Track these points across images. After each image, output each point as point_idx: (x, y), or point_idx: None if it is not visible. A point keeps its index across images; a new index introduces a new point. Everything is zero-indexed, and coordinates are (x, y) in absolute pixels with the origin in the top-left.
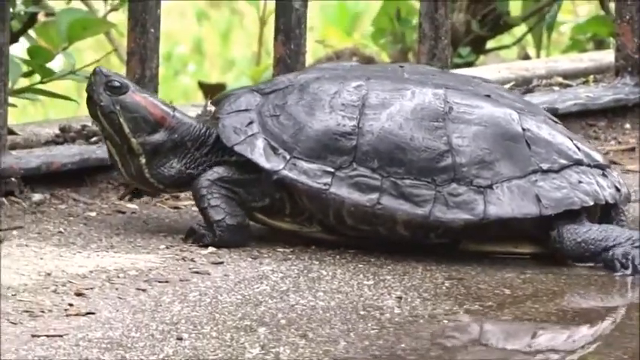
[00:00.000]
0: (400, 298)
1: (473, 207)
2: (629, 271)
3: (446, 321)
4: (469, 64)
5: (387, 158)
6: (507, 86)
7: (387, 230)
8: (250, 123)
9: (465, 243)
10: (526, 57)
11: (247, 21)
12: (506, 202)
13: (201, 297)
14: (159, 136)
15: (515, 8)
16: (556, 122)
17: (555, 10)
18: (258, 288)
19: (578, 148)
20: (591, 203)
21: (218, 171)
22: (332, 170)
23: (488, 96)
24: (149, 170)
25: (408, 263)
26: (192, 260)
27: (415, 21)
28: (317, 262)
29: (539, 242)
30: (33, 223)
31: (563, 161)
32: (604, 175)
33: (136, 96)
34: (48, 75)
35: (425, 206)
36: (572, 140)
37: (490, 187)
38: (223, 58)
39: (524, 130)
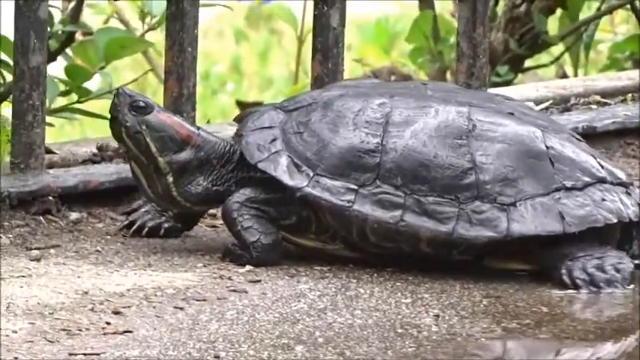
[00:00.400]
0: (438, 316)
1: (496, 224)
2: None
3: (483, 339)
4: (507, 83)
5: (411, 175)
6: (545, 105)
7: (410, 247)
8: (274, 140)
9: (488, 260)
10: (564, 75)
11: (285, 40)
12: (529, 220)
13: (239, 315)
14: (185, 155)
15: (553, 27)
16: (579, 140)
17: (593, 29)
18: (295, 306)
19: (602, 166)
20: (615, 221)
21: (245, 192)
22: (355, 187)
23: (512, 114)
24: (176, 189)
25: (446, 281)
26: (229, 278)
27: (453, 39)
28: (354, 280)
29: None
30: (70, 241)
31: (587, 179)
32: (627, 193)
33: (161, 115)
34: (85, 95)
35: (448, 223)
36: (595, 158)
37: (514, 204)
38: (261, 77)
39: (547, 147)
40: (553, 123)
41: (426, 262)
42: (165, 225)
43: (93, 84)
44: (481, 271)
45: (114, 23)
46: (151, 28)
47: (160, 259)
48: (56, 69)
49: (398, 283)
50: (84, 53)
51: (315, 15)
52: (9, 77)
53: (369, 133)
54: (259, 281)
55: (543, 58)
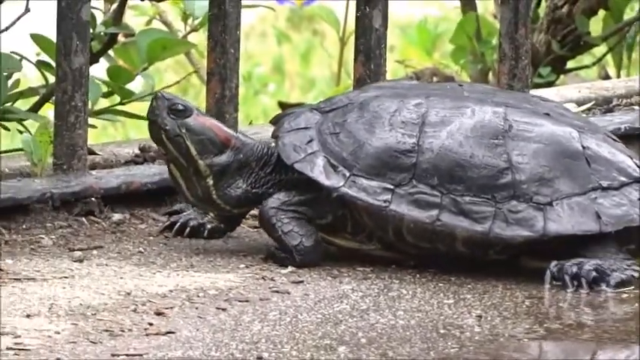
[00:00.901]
0: (480, 316)
1: (533, 224)
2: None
3: (526, 340)
4: (549, 84)
5: (447, 175)
6: (587, 105)
7: (446, 247)
8: (310, 141)
9: (524, 260)
10: (606, 77)
11: (327, 42)
12: (565, 219)
13: (281, 316)
14: (225, 157)
15: (595, 28)
16: (616, 140)
17: (636, 30)
18: (338, 307)
19: (638, 167)
20: None
21: (279, 197)
22: (391, 187)
23: (548, 114)
24: (216, 191)
25: (489, 282)
26: (272, 279)
27: (495, 41)
28: (397, 281)
29: None
30: (113, 242)
31: (623, 179)
32: None
33: (201, 118)
34: (127, 96)
35: (484, 223)
36: (632, 158)
37: (550, 203)
38: (303, 78)
39: (584, 147)
40: (589, 123)
41: (464, 262)
42: (208, 226)
43: (135, 85)
44: (523, 272)
45: (156, 25)
46: (193, 30)
47: (203, 259)
48: (98, 71)
49: (440, 284)
50: (126, 55)
51: (357, 16)
52: (51, 79)
53: (405, 133)
54: (302, 282)
55: (585, 59)
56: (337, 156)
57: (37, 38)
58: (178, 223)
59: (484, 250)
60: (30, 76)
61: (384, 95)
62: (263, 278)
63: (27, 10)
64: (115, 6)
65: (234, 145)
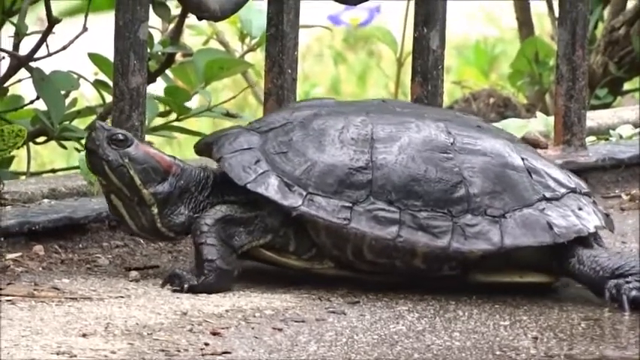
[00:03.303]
0: (536, 338)
1: (490, 237)
2: (618, 305)
3: None
4: (606, 106)
5: (403, 191)
6: None
7: (403, 263)
8: (258, 161)
9: (472, 274)
10: None
11: (384, 63)
12: (519, 231)
13: (337, 337)
14: (168, 185)
15: None
16: (540, 154)
17: None
18: (394, 328)
19: (569, 177)
20: (593, 230)
21: (221, 209)
22: (350, 205)
23: (480, 127)
24: (161, 219)
25: (544, 304)
26: (328, 300)
27: (552, 62)
28: (453, 302)
29: (543, 271)
30: (169, 262)
31: (562, 189)
32: (594, 203)
33: (142, 147)
34: (184, 112)
35: (444, 237)
36: (561, 170)
37: (503, 216)
38: (359, 98)
39: (523, 159)
40: (512, 136)
41: (414, 279)
42: None
43: (192, 105)
44: (580, 294)
45: (213, 44)
46: (251, 50)
47: (258, 279)
48: (156, 90)
49: (496, 305)
50: (183, 74)
51: (414, 37)
52: (108, 98)
53: (357, 149)
54: (357, 302)
55: None
56: (290, 175)
57: (95, 57)
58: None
59: (439, 265)
60: (88, 95)
61: (322, 113)
62: (319, 299)
63: (84, 29)
64: (172, 26)
65: (175, 172)
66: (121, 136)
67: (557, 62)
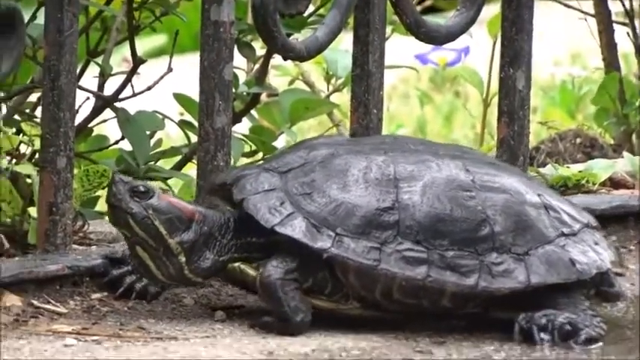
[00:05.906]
0: None
1: (516, 275)
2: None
3: None
4: None
5: (430, 230)
6: None
7: (430, 303)
8: (282, 203)
9: (493, 311)
10: None
11: (470, 103)
12: (544, 268)
13: None
14: (192, 232)
15: None
16: (551, 189)
17: None
18: None
19: (580, 211)
20: (610, 265)
21: (277, 265)
22: (378, 245)
23: (493, 163)
24: (188, 267)
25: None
26: (414, 340)
27: (638, 102)
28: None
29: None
30: (255, 302)
31: (577, 225)
32: (605, 237)
33: (163, 197)
34: (270, 151)
35: (471, 277)
36: (572, 204)
37: (527, 253)
38: (446, 139)
39: (539, 195)
40: (522, 172)
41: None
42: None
43: (277, 144)
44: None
45: (299, 85)
46: (336, 90)
47: (344, 319)
48: (241, 130)
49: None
50: (269, 114)
51: (501, 77)
52: (194, 138)
53: (383, 190)
54: (444, 343)
55: None
56: (316, 217)
57: (180, 98)
58: (122, 288)
59: (465, 303)
60: (173, 136)
61: (340, 153)
62: (405, 339)
63: (169, 69)
64: (257, 66)
65: (199, 219)
66: (142, 188)
67: None
